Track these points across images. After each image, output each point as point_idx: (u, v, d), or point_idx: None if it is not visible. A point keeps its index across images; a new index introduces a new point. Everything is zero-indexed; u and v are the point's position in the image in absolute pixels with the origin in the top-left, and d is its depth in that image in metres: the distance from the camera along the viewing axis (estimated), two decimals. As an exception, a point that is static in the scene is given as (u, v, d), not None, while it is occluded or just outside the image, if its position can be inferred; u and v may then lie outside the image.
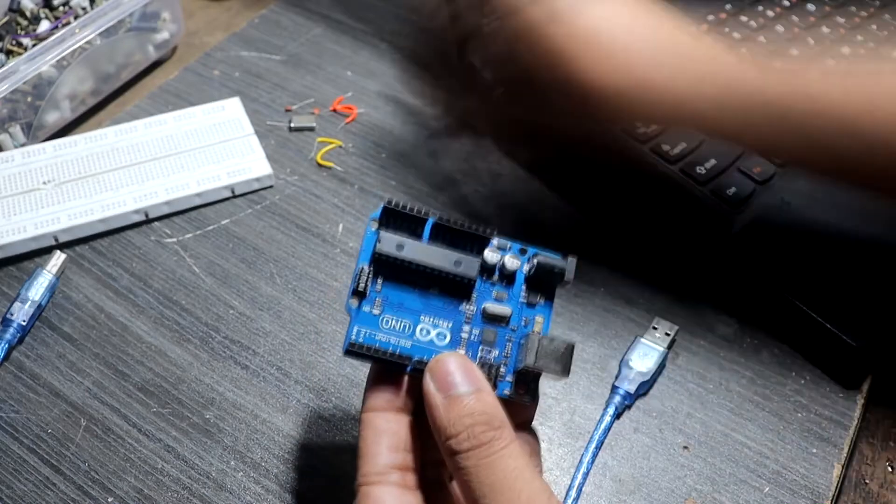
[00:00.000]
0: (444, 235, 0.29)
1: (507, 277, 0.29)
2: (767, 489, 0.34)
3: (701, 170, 0.43)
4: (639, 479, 0.35)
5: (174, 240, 0.43)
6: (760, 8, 0.56)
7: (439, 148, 0.48)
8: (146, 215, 0.43)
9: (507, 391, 0.28)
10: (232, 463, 0.34)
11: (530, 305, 0.29)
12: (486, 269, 0.29)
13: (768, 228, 0.41)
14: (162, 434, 0.35)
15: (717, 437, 0.36)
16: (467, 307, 0.29)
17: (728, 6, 0.55)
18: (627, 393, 0.36)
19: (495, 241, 0.29)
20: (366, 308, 0.28)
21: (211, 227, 0.43)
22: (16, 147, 0.46)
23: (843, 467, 0.35)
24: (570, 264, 0.29)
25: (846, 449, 0.36)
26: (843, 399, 0.37)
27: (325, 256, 0.42)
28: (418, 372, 0.27)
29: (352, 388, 0.37)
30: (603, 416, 0.36)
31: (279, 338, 0.39)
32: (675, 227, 0.42)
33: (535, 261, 0.29)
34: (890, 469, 0.37)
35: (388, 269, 0.28)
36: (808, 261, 0.40)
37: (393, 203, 0.28)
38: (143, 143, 0.46)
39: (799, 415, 0.37)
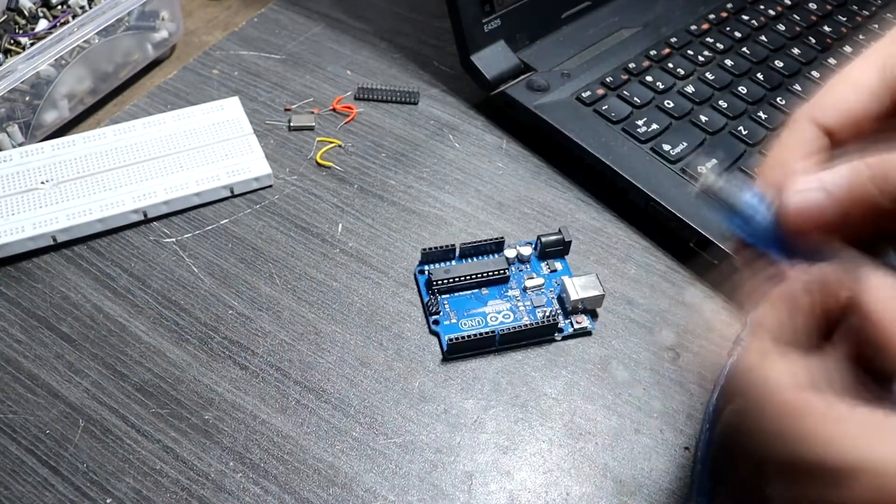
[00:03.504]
0: (471, 251, 0.40)
1: (528, 263, 0.41)
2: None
3: (702, 169, 0.43)
4: (640, 480, 0.34)
5: (173, 240, 0.43)
6: (762, 7, 0.55)
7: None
8: (145, 215, 0.43)
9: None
10: (231, 464, 0.34)
11: (553, 271, 0.41)
12: (511, 263, 0.40)
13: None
14: (160, 435, 0.35)
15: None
16: (512, 292, 0.40)
17: (729, 5, 0.55)
18: None
19: (506, 242, 0.41)
20: (445, 322, 0.38)
21: (210, 227, 0.43)
22: (14, 146, 0.45)
23: (844, 468, 0.35)
24: (564, 232, 0.41)
25: (848, 450, 0.36)
26: (845, 400, 0.37)
27: (324, 256, 0.42)
28: (502, 344, 0.38)
29: (351, 389, 0.37)
30: (726, 366, 0.36)
31: (278, 338, 0.38)
32: (676, 228, 0.42)
33: (541, 241, 0.41)
34: (892, 470, 0.36)
35: (446, 291, 0.39)
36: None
37: (426, 248, 0.40)
38: (142, 143, 0.45)
39: (800, 415, 0.37)
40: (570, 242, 0.41)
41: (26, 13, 0.50)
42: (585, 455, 0.35)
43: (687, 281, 0.42)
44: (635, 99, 0.47)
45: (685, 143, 0.45)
